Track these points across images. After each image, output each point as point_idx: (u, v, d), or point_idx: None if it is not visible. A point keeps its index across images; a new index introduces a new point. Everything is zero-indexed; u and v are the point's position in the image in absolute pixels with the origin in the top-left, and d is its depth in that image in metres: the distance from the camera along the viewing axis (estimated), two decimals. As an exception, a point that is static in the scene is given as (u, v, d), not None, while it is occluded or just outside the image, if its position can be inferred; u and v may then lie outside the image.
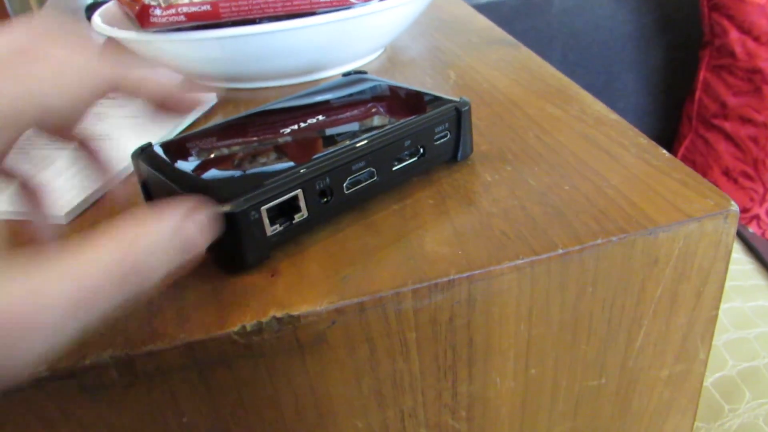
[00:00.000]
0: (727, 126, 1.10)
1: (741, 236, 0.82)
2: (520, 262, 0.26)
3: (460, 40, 0.54)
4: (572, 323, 0.29)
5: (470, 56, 0.49)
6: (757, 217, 1.11)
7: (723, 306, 0.71)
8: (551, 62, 1.22)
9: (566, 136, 0.35)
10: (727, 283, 0.75)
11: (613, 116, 0.37)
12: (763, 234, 1.13)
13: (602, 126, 0.36)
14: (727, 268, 0.30)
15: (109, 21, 0.46)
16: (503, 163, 0.33)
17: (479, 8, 1.16)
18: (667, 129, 1.26)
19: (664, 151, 0.33)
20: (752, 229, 1.11)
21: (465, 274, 0.26)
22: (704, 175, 1.15)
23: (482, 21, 0.58)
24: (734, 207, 0.28)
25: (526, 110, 0.39)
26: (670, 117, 1.24)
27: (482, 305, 0.27)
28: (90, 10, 0.63)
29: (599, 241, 0.27)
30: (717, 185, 1.13)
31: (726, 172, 1.12)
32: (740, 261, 0.78)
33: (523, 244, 0.27)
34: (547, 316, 0.28)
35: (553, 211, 0.29)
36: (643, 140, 0.34)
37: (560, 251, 0.26)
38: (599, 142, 0.34)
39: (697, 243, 0.28)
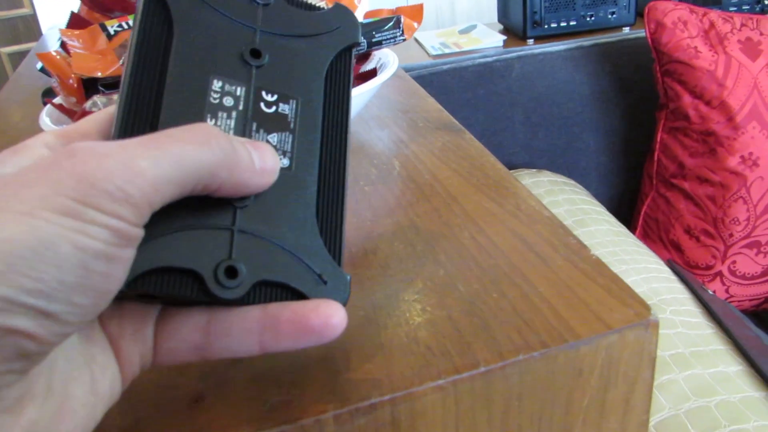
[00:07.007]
0: (686, 185, 1.12)
1: (700, 300, 0.83)
2: (442, 382, 0.26)
3: (407, 124, 0.55)
4: (501, 436, 0.29)
5: (416, 143, 0.51)
6: (720, 274, 1.12)
7: (684, 373, 0.72)
8: (514, 124, 1.25)
9: (500, 236, 0.36)
10: (687, 349, 0.75)
11: (546, 213, 0.38)
12: (727, 290, 1.14)
13: (535, 224, 0.37)
14: (653, 374, 0.30)
15: (56, 120, 0.47)
16: (437, 266, 0.34)
17: (442, 74, 1.19)
18: (630, 187, 1.28)
19: (592, 253, 0.33)
20: (713, 288, 1.12)
21: (387, 397, 0.26)
22: (667, 233, 1.17)
23: (431, 104, 0.60)
24: (654, 317, 0.28)
25: (464, 205, 0.40)
26: (632, 175, 1.27)
27: (407, 425, 0.27)
28: (45, 95, 0.63)
29: (521, 357, 0.27)
30: (679, 243, 1.15)
31: (688, 230, 1.14)
32: (700, 326, 0.79)
33: (446, 361, 0.27)
34: (475, 431, 0.28)
35: (479, 322, 0.29)
36: (573, 240, 0.35)
37: (482, 369, 0.27)
38: (530, 242, 0.35)
39: (620, 353, 0.29)
